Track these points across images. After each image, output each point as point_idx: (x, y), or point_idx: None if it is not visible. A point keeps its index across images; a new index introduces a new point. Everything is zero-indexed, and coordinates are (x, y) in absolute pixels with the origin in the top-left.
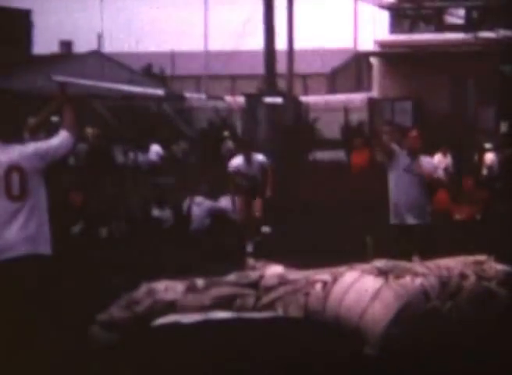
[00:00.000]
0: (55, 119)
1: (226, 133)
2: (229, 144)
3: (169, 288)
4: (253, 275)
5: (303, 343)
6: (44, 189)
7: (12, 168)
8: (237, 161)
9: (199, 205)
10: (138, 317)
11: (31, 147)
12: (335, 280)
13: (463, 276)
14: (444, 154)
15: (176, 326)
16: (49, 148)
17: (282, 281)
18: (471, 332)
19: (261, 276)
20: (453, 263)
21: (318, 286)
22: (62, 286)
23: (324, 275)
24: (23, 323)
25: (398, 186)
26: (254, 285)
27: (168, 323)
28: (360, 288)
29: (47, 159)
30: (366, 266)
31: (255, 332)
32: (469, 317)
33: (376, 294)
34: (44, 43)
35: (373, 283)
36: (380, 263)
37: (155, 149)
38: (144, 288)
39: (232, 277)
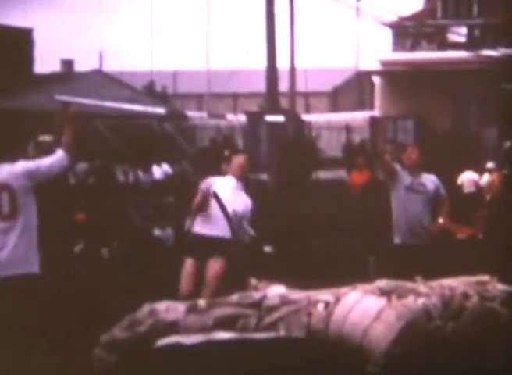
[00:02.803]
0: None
1: (227, 153)
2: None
3: (171, 308)
4: (255, 295)
5: (306, 362)
6: (34, 208)
7: (2, 187)
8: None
9: None
10: (140, 337)
11: (20, 166)
12: (337, 300)
13: (465, 296)
14: (491, 172)
15: (177, 347)
16: (39, 167)
17: (285, 301)
18: (474, 352)
19: (264, 297)
20: (456, 283)
21: (321, 306)
22: (55, 305)
23: (326, 295)
24: (15, 344)
25: (400, 205)
26: (257, 305)
27: (169, 344)
28: (363, 308)
29: (36, 178)
30: (368, 287)
31: (257, 353)
32: (472, 337)
33: (378, 314)
34: (45, 61)
35: (375, 303)
36: (382, 284)
37: (163, 168)
38: (145, 308)
39: (234, 298)
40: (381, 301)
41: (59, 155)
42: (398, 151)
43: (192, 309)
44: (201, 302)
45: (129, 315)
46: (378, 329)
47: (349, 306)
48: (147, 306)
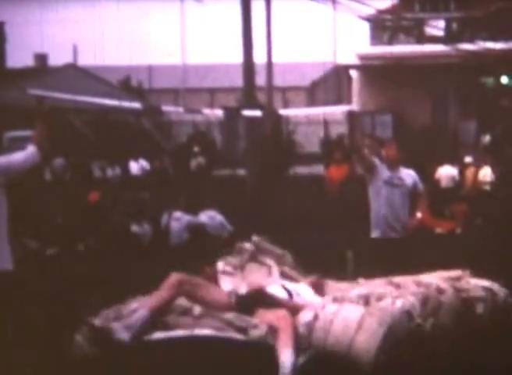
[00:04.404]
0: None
1: (196, 149)
2: (201, 160)
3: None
4: (249, 321)
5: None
6: (4, 204)
7: None
8: None
9: (177, 220)
10: None
11: None
12: (316, 316)
13: (440, 290)
14: (468, 166)
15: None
16: (10, 163)
17: (272, 331)
18: (455, 347)
19: (254, 326)
20: (431, 278)
21: (302, 327)
22: (29, 301)
23: (306, 314)
24: None
25: (378, 199)
26: (245, 330)
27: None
28: (343, 320)
29: (8, 174)
30: (345, 296)
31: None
32: (451, 331)
33: (360, 324)
34: (18, 56)
35: (355, 313)
36: (359, 290)
37: (141, 163)
38: (133, 305)
39: (230, 316)
40: (359, 310)
41: (31, 150)
42: (376, 146)
43: (185, 313)
44: (196, 308)
45: (116, 306)
46: (361, 339)
47: (328, 320)
48: (135, 303)
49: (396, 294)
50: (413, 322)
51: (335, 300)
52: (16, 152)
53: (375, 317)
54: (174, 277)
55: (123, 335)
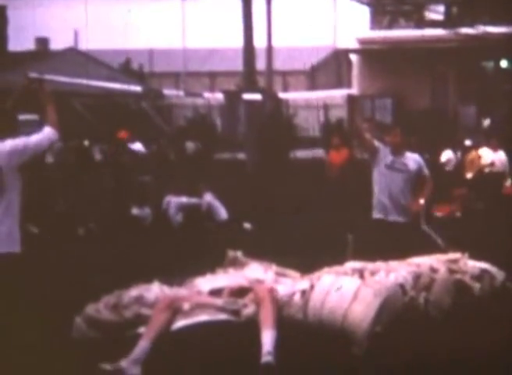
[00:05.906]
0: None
1: (194, 132)
2: (198, 143)
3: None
4: (240, 302)
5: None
6: (19, 187)
7: None
8: None
9: (173, 203)
10: (125, 322)
11: (8, 144)
12: (312, 286)
13: (433, 269)
14: (494, 148)
15: None
16: (28, 144)
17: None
18: (449, 325)
19: (245, 305)
20: (426, 260)
21: (297, 296)
22: (34, 284)
23: (302, 283)
24: None
25: (381, 183)
26: (238, 313)
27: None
28: (339, 291)
29: (26, 155)
30: (340, 268)
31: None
32: (443, 307)
33: (355, 295)
34: (19, 39)
35: (351, 284)
36: (353, 264)
37: (137, 147)
38: (134, 292)
39: (219, 302)
40: (355, 281)
41: (47, 130)
42: (377, 130)
43: (177, 312)
44: (186, 306)
45: (117, 292)
46: (357, 310)
47: (324, 291)
48: (135, 290)
49: (389, 269)
50: (406, 295)
51: (330, 272)
52: (19, 136)
53: (370, 289)
54: (164, 300)
55: (134, 371)
